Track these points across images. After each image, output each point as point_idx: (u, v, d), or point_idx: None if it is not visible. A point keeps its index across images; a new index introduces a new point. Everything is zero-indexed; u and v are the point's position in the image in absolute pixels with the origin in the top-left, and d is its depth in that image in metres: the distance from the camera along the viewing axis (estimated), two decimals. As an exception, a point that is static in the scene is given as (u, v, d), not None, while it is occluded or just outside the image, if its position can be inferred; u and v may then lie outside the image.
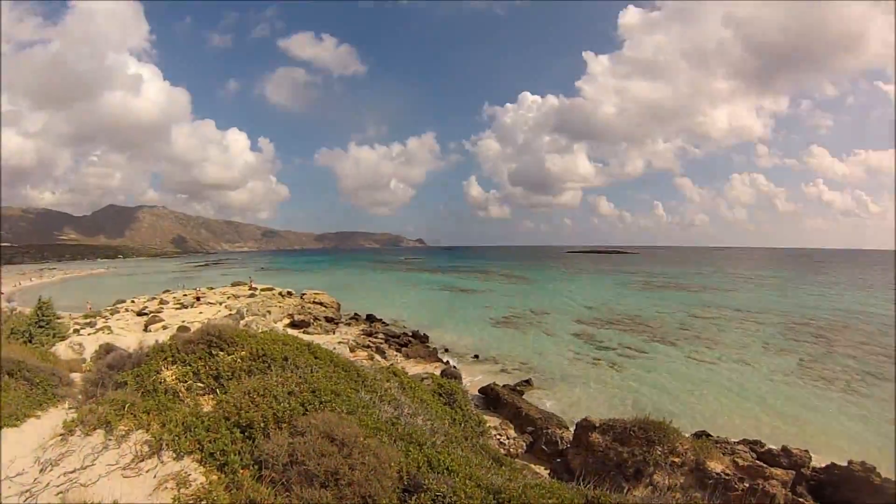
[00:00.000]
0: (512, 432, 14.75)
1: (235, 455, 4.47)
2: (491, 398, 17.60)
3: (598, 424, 10.79)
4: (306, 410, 5.25)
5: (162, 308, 30.03)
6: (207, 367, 6.58)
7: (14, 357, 7.96)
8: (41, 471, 4.95)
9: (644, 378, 21.78)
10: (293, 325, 30.22)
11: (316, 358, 7.21)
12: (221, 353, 6.86)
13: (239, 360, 6.70)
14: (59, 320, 19.85)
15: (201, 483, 4.23)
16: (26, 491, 4.59)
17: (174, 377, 6.65)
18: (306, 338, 11.93)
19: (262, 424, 4.89)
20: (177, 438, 4.78)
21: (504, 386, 19.07)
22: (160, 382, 6.48)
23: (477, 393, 18.29)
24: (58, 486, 4.53)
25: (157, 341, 8.15)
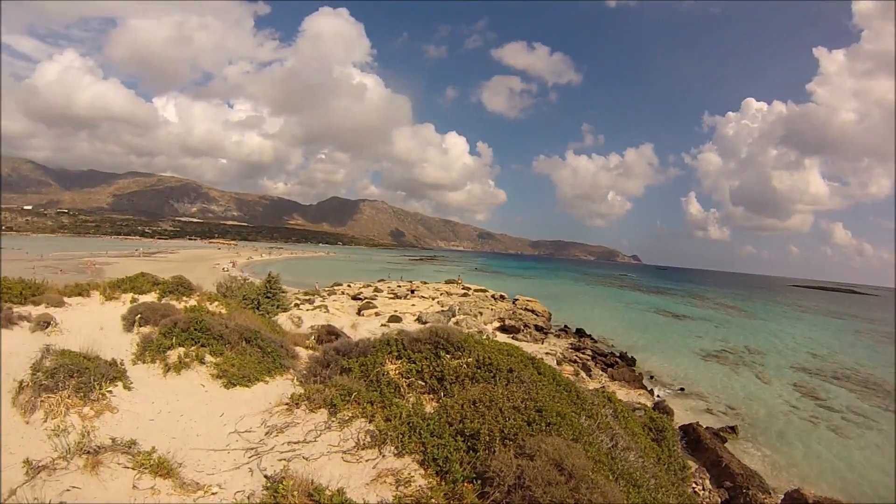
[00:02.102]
0: (708, 483, 18.03)
1: (458, 465, 5.93)
2: (691, 439, 21.94)
3: (811, 501, 13.24)
4: (532, 430, 6.52)
5: (376, 295, 45.19)
6: (432, 368, 8.80)
7: (252, 326, 12.14)
8: (267, 433, 7.55)
9: (870, 457, 24.53)
10: (503, 329, 39.26)
11: (539, 373, 8.94)
12: (447, 355, 9.01)
13: (464, 365, 8.69)
14: (283, 293, 30.21)
15: (420, 485, 5.78)
16: (252, 448, 7.09)
17: (397, 372, 9.05)
18: (516, 344, 14.69)
19: (486, 438, 6.33)
20: (401, 436, 6.55)
21: (707, 428, 23.55)
22: (383, 375, 8.99)
23: (676, 429, 22.05)
24: (281, 453, 6.84)
25: (383, 334, 11.16)
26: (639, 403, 21.24)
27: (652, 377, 35.74)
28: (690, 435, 22.22)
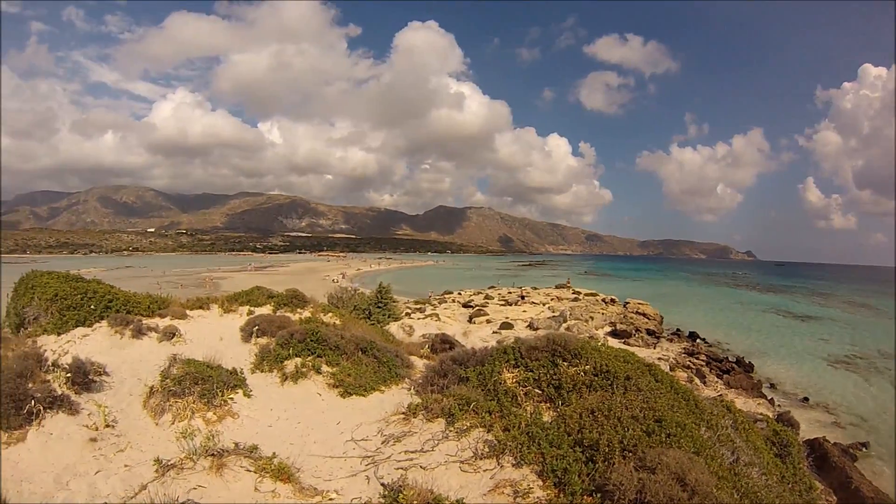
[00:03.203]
0: (836, 506, 16.15)
1: (576, 476, 5.88)
2: (817, 456, 19.85)
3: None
4: (651, 442, 6.38)
5: (487, 302, 46.28)
6: (549, 376, 8.77)
7: (367, 336, 12.61)
8: (384, 442, 7.78)
9: None
10: (614, 333, 39.28)
11: (657, 381, 8.74)
12: (564, 363, 8.95)
13: (582, 373, 8.63)
14: (394, 303, 31.37)
15: (539, 497, 5.79)
16: (369, 457, 7.31)
17: (514, 380, 9.08)
18: (630, 350, 14.85)
19: (606, 449, 6.24)
20: (520, 446, 6.57)
21: (835, 444, 21.56)
22: (500, 384, 9.04)
23: (802, 443, 19.92)
24: (398, 462, 7.00)
25: (496, 341, 11.28)
26: (760, 414, 19.94)
27: (772, 385, 34.11)
28: (816, 451, 20.29)
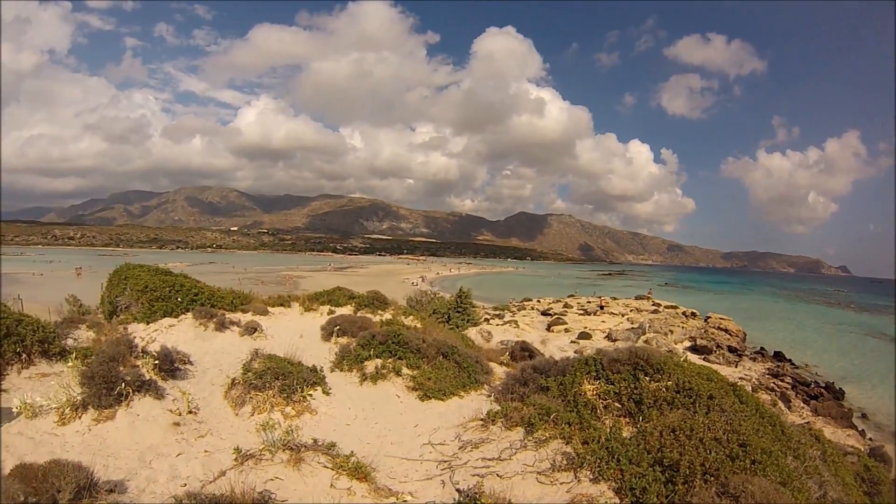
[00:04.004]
0: (926, 556, 15.13)
1: (655, 497, 5.75)
2: None
3: None
4: (735, 467, 6.11)
5: (566, 311, 46.25)
6: (630, 390, 8.60)
7: (449, 341, 12.80)
8: (461, 448, 7.81)
9: None
10: (694, 349, 37.96)
11: (741, 402, 8.38)
12: (646, 377, 8.75)
13: (663, 388, 8.41)
14: (473, 308, 31.72)
15: None
16: (445, 461, 7.37)
17: (595, 393, 8.95)
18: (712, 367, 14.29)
19: (686, 471, 6.04)
20: (599, 460, 6.47)
21: None
22: (580, 395, 8.93)
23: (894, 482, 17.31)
24: (475, 468, 7.01)
25: (581, 353, 11.16)
26: (850, 447, 18.84)
27: (864, 415, 31.38)
28: None
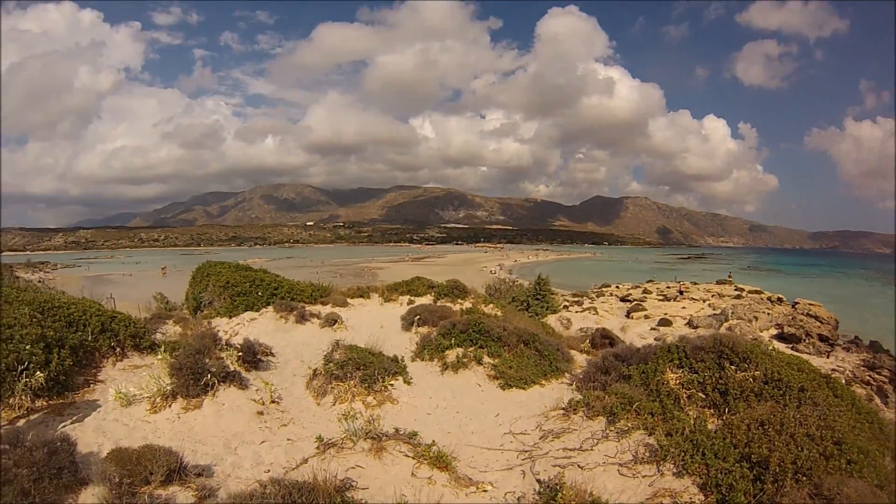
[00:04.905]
0: None
1: (742, 495, 5.47)
2: None
3: None
4: (829, 467, 5.71)
5: (645, 297, 44.94)
6: (715, 380, 8.29)
7: (530, 329, 12.80)
8: (542, 438, 7.73)
9: None
10: (781, 337, 36.49)
11: (836, 396, 7.92)
12: (731, 367, 8.41)
13: (750, 379, 8.06)
14: (552, 295, 31.62)
15: None
16: (525, 451, 7.35)
17: (678, 382, 8.68)
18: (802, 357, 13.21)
19: (776, 468, 5.71)
20: (683, 453, 6.27)
21: None
22: (663, 384, 8.69)
23: None
24: (556, 458, 6.93)
25: (663, 340, 10.86)
26: None
27: None
28: None
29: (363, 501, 5.68)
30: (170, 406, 7.91)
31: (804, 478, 5.61)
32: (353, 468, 6.52)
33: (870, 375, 30.57)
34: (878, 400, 25.11)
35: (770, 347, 10.29)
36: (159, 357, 9.17)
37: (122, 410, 7.81)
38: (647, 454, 6.59)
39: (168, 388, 8.01)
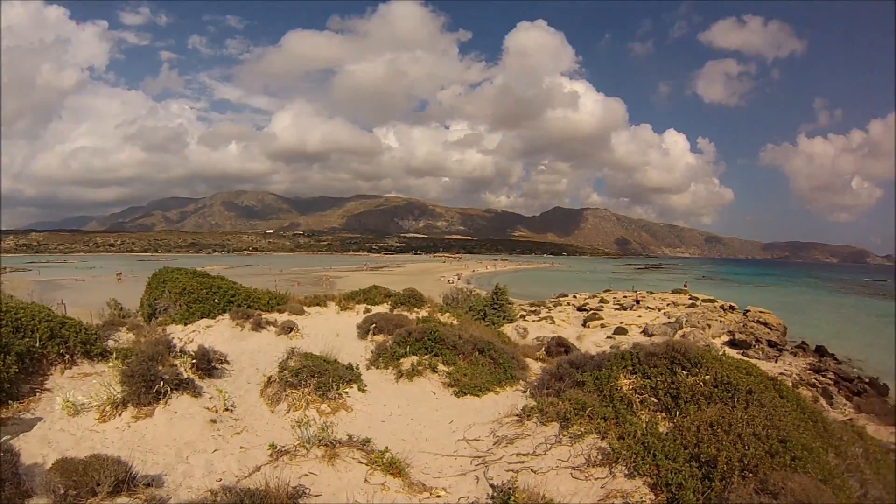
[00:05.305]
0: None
1: (691, 493, 5.67)
2: None
3: None
4: (774, 464, 5.97)
5: (602, 306, 46.16)
6: (667, 384, 8.48)
7: (485, 337, 12.81)
8: (495, 443, 7.77)
9: None
10: (732, 343, 38.40)
11: (782, 397, 8.22)
12: (683, 371, 8.64)
13: (701, 383, 8.28)
14: (509, 304, 32.26)
15: None
16: (479, 457, 7.38)
17: (631, 387, 8.86)
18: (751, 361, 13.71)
19: (724, 467, 5.94)
20: (634, 455, 6.42)
21: None
22: (616, 390, 8.85)
23: None
24: (509, 464, 6.98)
25: (617, 348, 11.09)
26: (894, 444, 18.35)
27: None
28: None
29: (316, 508, 5.63)
30: (120, 415, 7.71)
31: (750, 474, 5.82)
32: (306, 475, 6.47)
33: (815, 378, 32.39)
34: (823, 401, 26.36)
35: (721, 353, 10.59)
36: (110, 364, 9.00)
37: (70, 420, 7.60)
38: (600, 457, 6.71)
39: (119, 396, 7.81)
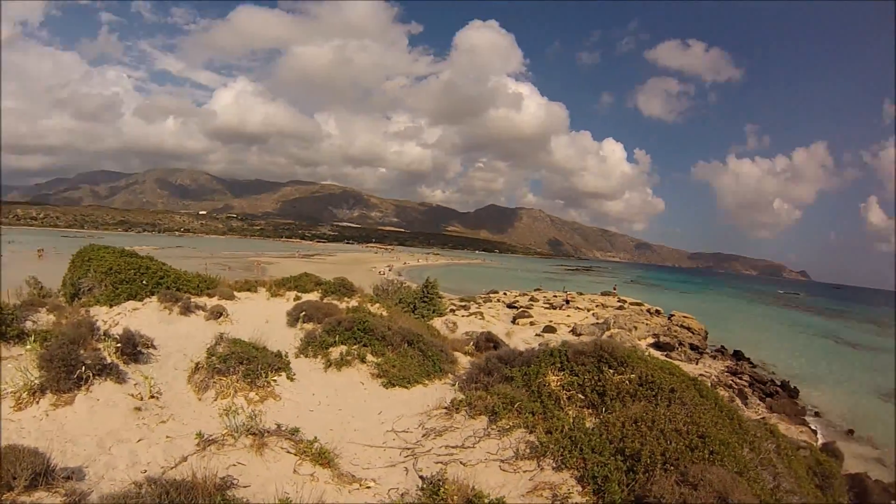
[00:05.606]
0: (874, 550, 16.14)
1: (616, 485, 5.92)
2: (857, 491, 18.66)
3: None
4: (694, 457, 6.36)
5: (532, 305, 47.34)
6: (594, 382, 8.76)
7: (414, 330, 12.83)
8: (424, 436, 7.82)
9: None
10: (657, 345, 39.63)
11: (702, 396, 8.66)
12: (609, 370, 8.93)
13: (626, 381, 8.59)
14: (439, 298, 32.22)
15: (577, 502, 5.86)
16: (408, 448, 7.41)
17: (559, 383, 9.07)
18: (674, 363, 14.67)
19: (647, 460, 6.25)
20: (562, 449, 6.60)
21: (876, 482, 20.42)
22: (545, 386, 9.04)
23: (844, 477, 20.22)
24: (438, 455, 7.04)
25: (546, 345, 11.32)
26: (803, 442, 19.80)
27: (817, 413, 33.68)
28: (857, 486, 18.77)
29: (244, 500, 5.51)
30: (38, 402, 7.25)
31: (672, 467, 6.13)
32: (235, 465, 6.34)
33: (732, 380, 34.56)
34: (739, 401, 27.97)
35: (646, 354, 10.97)
36: (28, 348, 8.50)
37: (-19, 407, 7.11)
38: (528, 451, 6.83)
39: (36, 381, 7.35)
